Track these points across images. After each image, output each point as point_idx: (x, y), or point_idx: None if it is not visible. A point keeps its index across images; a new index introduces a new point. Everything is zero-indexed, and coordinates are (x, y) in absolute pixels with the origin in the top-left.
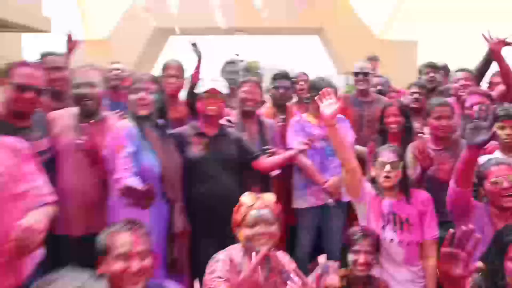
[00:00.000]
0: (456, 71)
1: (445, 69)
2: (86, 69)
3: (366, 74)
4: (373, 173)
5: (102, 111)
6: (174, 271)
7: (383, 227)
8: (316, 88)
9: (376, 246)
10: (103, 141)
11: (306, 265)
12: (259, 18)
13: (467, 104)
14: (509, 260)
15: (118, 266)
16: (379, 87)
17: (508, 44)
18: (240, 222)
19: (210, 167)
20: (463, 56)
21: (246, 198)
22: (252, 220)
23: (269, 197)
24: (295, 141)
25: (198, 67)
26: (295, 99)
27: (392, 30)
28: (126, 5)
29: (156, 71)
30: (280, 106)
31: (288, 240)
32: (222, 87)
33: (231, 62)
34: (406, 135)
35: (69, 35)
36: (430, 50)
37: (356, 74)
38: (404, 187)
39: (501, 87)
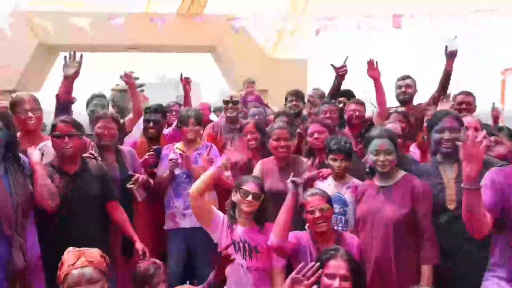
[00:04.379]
0: (323, 103)
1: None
2: None
3: (235, 102)
4: (233, 197)
5: None
6: None
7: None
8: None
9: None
10: None
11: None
12: (151, 36)
13: (309, 131)
14: (324, 275)
15: None
16: (256, 117)
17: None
18: (62, 281)
19: (70, 208)
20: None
21: (68, 255)
22: (73, 280)
23: (93, 253)
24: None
25: None
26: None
27: (282, 49)
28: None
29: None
30: (152, 138)
31: None
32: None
33: (99, 96)
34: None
35: None
36: (319, 68)
37: (226, 102)
38: (258, 218)
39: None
